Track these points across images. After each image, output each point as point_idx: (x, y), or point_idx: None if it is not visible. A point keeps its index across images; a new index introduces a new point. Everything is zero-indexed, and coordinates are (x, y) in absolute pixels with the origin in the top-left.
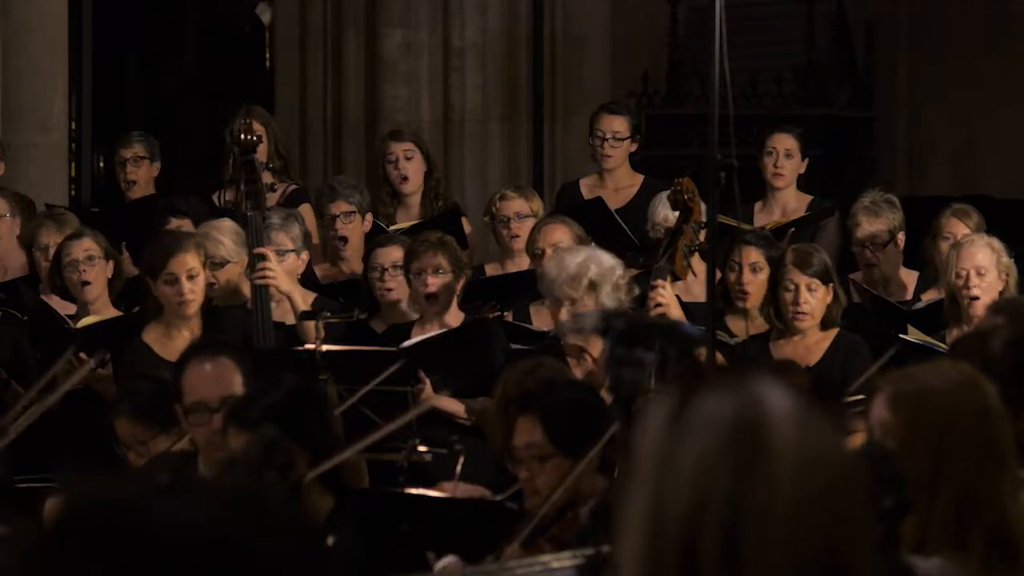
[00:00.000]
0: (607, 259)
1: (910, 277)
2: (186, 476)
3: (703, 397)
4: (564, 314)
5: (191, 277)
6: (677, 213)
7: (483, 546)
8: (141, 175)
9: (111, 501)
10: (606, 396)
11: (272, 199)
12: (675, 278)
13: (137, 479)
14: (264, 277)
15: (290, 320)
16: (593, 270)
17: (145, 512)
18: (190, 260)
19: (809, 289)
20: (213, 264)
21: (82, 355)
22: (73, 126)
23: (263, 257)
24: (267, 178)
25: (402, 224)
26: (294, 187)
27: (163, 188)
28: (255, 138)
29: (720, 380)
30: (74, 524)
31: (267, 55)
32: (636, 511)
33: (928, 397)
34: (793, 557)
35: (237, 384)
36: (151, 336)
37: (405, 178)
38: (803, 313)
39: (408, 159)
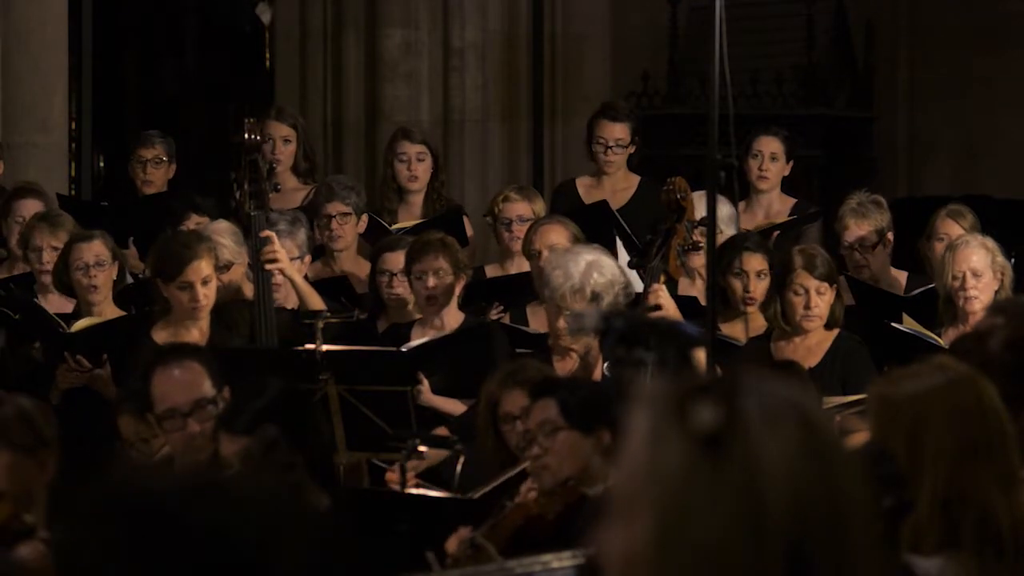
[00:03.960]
0: (610, 267)
1: (900, 277)
2: (224, 477)
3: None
4: (563, 322)
5: (205, 283)
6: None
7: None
8: (159, 176)
9: (150, 496)
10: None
11: (296, 199)
12: (669, 278)
13: (175, 477)
14: (273, 260)
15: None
16: (596, 280)
17: (184, 510)
18: (204, 268)
19: (819, 292)
20: (218, 268)
21: (80, 358)
22: (73, 126)
23: (268, 241)
24: (281, 176)
25: (405, 223)
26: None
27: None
28: (258, 138)
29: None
30: (116, 514)
31: (267, 55)
32: (722, 510)
33: (900, 401)
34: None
35: (206, 386)
36: (161, 335)
37: (415, 178)
38: (814, 316)
39: (420, 161)
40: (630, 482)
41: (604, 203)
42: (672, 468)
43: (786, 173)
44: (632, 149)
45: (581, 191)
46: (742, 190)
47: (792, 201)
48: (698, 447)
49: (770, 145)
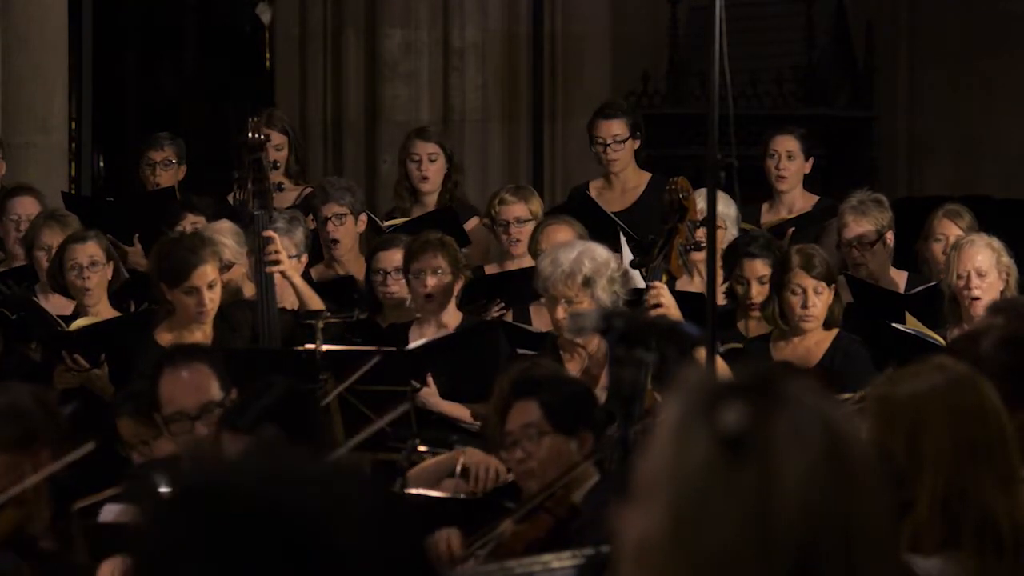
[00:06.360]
0: (601, 252)
1: (900, 277)
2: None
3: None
4: (560, 312)
5: (211, 287)
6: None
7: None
8: (169, 178)
9: (222, 481)
10: (600, 394)
11: (287, 200)
12: (671, 277)
13: (243, 460)
14: (276, 262)
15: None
16: (587, 266)
17: (258, 492)
18: (210, 272)
19: (816, 292)
20: (219, 268)
21: (77, 357)
22: (73, 126)
23: (270, 241)
24: (277, 178)
25: (397, 221)
26: (309, 190)
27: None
28: (262, 137)
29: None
30: (192, 499)
31: (267, 55)
32: (733, 512)
33: (900, 401)
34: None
35: (214, 389)
36: (165, 337)
37: (425, 178)
38: (811, 316)
39: (432, 161)
40: (653, 470)
41: (586, 196)
42: (692, 464)
43: (807, 171)
44: (636, 144)
45: (593, 193)
46: (765, 191)
47: (815, 198)
48: (720, 447)
49: (786, 144)
